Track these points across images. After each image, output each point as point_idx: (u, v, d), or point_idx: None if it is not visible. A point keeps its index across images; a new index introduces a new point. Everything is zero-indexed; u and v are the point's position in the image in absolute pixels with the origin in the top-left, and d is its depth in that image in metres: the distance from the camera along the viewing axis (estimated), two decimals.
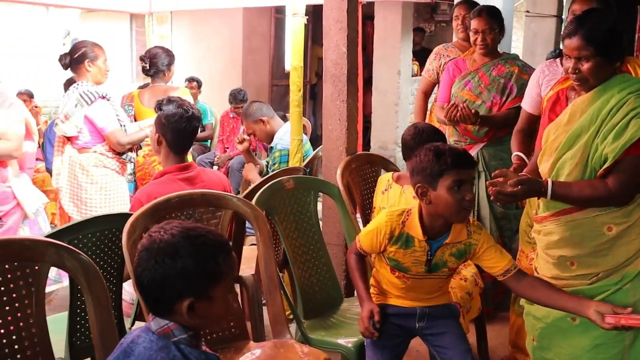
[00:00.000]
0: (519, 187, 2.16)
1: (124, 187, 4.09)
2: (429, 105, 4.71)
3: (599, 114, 2.19)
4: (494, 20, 3.65)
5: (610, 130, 2.14)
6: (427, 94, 4.61)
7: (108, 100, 3.93)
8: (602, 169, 2.17)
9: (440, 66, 4.39)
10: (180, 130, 2.83)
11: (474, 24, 3.67)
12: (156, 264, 1.48)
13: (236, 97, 7.08)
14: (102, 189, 3.93)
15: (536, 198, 2.40)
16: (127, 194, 4.12)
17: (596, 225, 2.22)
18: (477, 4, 4.29)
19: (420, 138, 2.84)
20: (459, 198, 2.17)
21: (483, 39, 3.65)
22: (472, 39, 3.78)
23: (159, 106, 2.87)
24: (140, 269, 1.50)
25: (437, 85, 4.45)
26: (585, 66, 2.21)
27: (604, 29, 2.21)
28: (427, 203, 2.22)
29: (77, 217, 3.83)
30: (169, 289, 1.49)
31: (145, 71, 4.56)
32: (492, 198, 2.23)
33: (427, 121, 4.52)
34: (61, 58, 4.04)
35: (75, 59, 3.98)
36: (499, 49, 3.78)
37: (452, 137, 3.74)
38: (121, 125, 3.94)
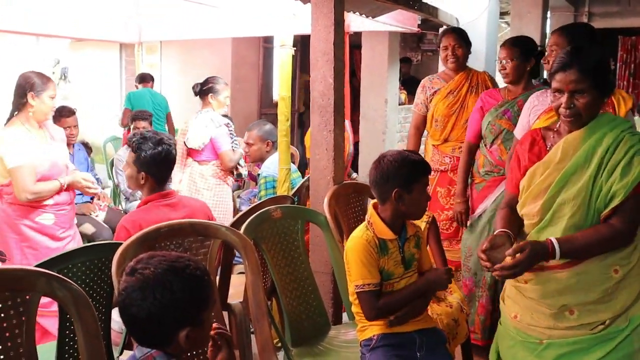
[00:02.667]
0: (522, 254, 2.08)
1: (229, 195, 4.95)
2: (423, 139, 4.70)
3: (594, 152, 2.15)
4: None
5: (614, 168, 2.12)
6: (419, 129, 4.56)
7: (227, 127, 4.81)
8: (609, 209, 2.12)
9: (427, 98, 4.40)
10: (165, 166, 2.93)
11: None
12: (155, 300, 1.52)
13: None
14: (215, 195, 4.76)
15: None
16: (230, 200, 5.00)
17: (605, 269, 2.16)
18: (463, 32, 4.39)
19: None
20: (425, 198, 2.47)
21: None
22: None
23: (137, 145, 2.90)
24: (136, 308, 1.53)
25: (426, 119, 4.44)
26: (581, 101, 2.17)
27: (598, 62, 2.20)
28: (401, 206, 2.42)
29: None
30: (170, 322, 1.53)
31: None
32: (498, 278, 2.23)
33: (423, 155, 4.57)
34: (194, 86, 5.05)
35: (203, 90, 4.96)
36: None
37: (482, 167, 3.76)
38: (232, 149, 4.79)
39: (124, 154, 5.26)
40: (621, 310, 2.13)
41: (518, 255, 2.08)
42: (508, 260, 2.09)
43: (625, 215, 2.12)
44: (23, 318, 1.75)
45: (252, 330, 2.79)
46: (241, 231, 2.71)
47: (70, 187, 3.64)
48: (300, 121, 10.39)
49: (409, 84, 10.46)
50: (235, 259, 3.21)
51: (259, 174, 4.64)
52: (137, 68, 8.04)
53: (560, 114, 2.23)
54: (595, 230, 2.14)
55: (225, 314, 3.00)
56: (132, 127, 6.18)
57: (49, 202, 3.54)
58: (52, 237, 3.57)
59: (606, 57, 2.29)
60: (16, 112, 3.54)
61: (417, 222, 2.62)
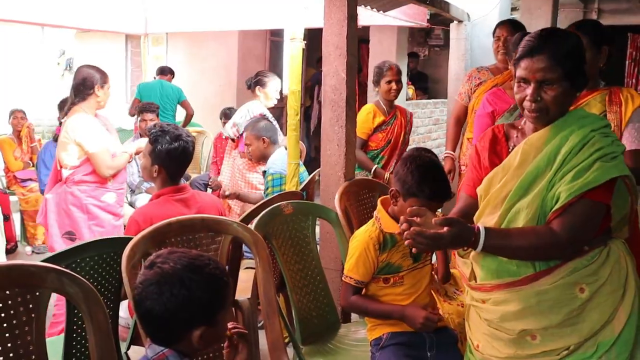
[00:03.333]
0: (447, 228, 1.78)
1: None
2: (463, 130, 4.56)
3: (556, 153, 1.87)
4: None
5: (570, 170, 1.83)
6: (459, 120, 4.46)
7: (265, 118, 4.78)
8: (552, 211, 1.85)
9: (471, 89, 4.31)
10: (181, 161, 2.90)
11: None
12: (172, 296, 1.49)
13: (227, 115, 7.06)
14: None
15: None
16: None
17: (568, 288, 1.86)
18: (520, 25, 4.25)
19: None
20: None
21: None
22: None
23: (154, 138, 2.87)
24: (151, 302, 1.50)
25: (468, 110, 4.34)
26: (550, 93, 1.87)
27: (573, 48, 1.90)
28: (394, 204, 2.46)
29: (235, 208, 4.82)
30: (183, 319, 1.50)
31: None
32: (406, 243, 1.80)
33: (458, 150, 4.49)
34: (248, 79, 5.19)
35: (254, 82, 5.08)
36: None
37: None
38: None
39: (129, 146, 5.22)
40: (589, 335, 1.85)
41: (445, 228, 1.78)
42: (428, 228, 1.79)
43: (567, 220, 1.82)
44: (33, 315, 1.71)
45: (260, 325, 2.76)
46: (252, 227, 2.67)
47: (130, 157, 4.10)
48: (306, 115, 10.34)
49: (416, 79, 10.42)
50: (244, 253, 3.17)
51: (264, 171, 4.57)
52: (142, 59, 8.00)
53: (525, 108, 1.92)
54: (533, 231, 1.85)
55: (233, 310, 2.96)
56: (139, 119, 6.14)
57: (110, 182, 3.94)
58: (115, 214, 3.96)
59: (581, 43, 1.94)
60: (77, 102, 3.87)
61: None
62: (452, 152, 4.46)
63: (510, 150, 2.03)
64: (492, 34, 4.30)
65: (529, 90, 1.88)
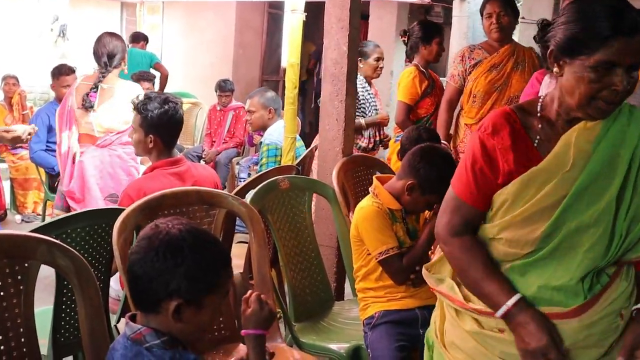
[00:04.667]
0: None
1: None
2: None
3: (618, 156, 1.57)
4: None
5: None
6: (452, 104, 4.11)
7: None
8: None
9: (465, 70, 3.98)
10: (174, 125, 2.81)
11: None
12: (156, 256, 1.42)
13: (222, 87, 6.99)
14: None
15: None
16: None
17: (613, 316, 1.63)
18: None
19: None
20: (430, 206, 2.51)
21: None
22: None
23: (142, 107, 2.78)
24: (136, 257, 1.45)
25: (462, 93, 4.05)
26: (631, 80, 1.53)
27: None
28: (407, 195, 2.46)
29: None
30: (161, 284, 1.42)
31: None
32: None
33: (452, 136, 4.22)
34: None
35: None
36: None
37: None
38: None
39: None
40: None
41: None
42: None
43: None
44: (21, 287, 1.65)
45: None
46: (247, 201, 2.61)
47: None
48: (302, 89, 10.24)
49: None
50: (236, 227, 3.11)
51: (261, 142, 4.53)
52: (138, 28, 7.91)
53: (602, 99, 1.52)
54: None
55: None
56: None
57: None
58: None
59: None
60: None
61: None
62: (445, 142, 4.03)
63: (536, 145, 1.62)
64: (480, 11, 4.02)
65: (617, 78, 1.49)
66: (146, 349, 1.44)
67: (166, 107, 2.74)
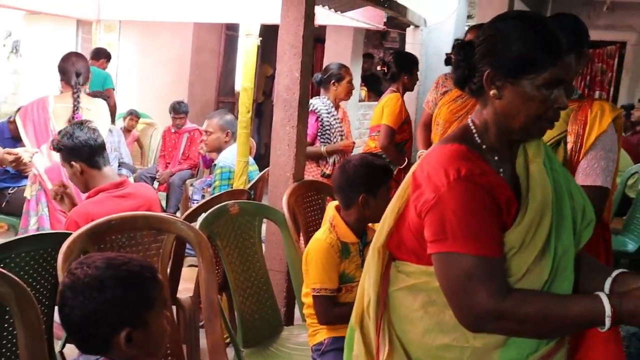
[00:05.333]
0: None
1: None
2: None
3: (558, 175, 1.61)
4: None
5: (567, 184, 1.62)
6: (426, 127, 4.23)
7: (315, 114, 4.44)
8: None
9: (437, 97, 4.09)
10: (85, 141, 2.78)
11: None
12: (85, 300, 1.42)
13: (176, 109, 6.96)
14: None
15: None
16: None
17: None
18: None
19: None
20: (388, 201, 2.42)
21: None
22: None
23: (56, 147, 2.82)
24: (68, 309, 1.44)
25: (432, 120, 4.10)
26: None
27: None
28: (366, 210, 2.42)
29: None
30: (103, 323, 1.43)
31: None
32: None
33: None
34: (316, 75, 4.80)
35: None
36: None
37: None
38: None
39: None
40: None
41: None
42: None
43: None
44: None
45: (201, 324, 2.70)
46: (196, 226, 2.61)
47: None
48: (259, 111, 10.27)
49: (370, 80, 10.45)
50: (186, 251, 3.10)
51: (214, 164, 4.53)
52: (94, 46, 7.78)
53: (548, 120, 1.52)
54: None
55: (174, 308, 2.90)
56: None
57: None
58: None
59: None
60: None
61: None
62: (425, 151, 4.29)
63: (502, 177, 1.55)
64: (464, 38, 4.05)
65: (560, 96, 1.50)
66: None
67: (67, 129, 2.76)
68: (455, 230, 1.43)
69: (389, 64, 4.67)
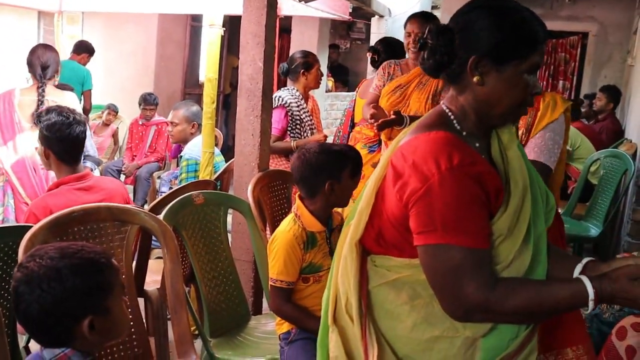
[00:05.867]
0: None
1: None
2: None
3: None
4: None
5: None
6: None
7: (284, 108, 4.37)
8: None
9: (384, 84, 3.89)
10: (63, 138, 2.71)
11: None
12: (43, 293, 1.40)
13: (147, 100, 6.89)
14: None
15: None
16: None
17: None
18: (433, 16, 3.94)
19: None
20: (354, 183, 2.48)
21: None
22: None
23: (38, 119, 2.76)
24: (24, 305, 1.42)
25: None
26: None
27: None
28: (332, 197, 2.42)
29: None
30: (65, 314, 1.42)
31: None
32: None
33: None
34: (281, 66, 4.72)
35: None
36: None
37: None
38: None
39: None
40: None
41: None
42: None
43: None
44: None
45: (169, 317, 2.70)
46: (161, 217, 2.60)
47: None
48: (226, 102, 10.22)
49: (336, 71, 10.47)
50: (153, 243, 3.09)
51: (180, 156, 4.51)
52: (56, 38, 7.65)
53: (526, 104, 1.56)
54: None
55: (141, 300, 2.88)
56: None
57: None
58: None
59: None
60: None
61: (343, 209, 2.62)
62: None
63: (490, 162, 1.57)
64: (404, 25, 3.91)
65: (535, 79, 1.54)
66: None
67: (58, 118, 2.70)
68: (445, 222, 1.41)
69: (378, 50, 4.61)
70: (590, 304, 1.39)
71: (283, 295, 2.43)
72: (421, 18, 3.74)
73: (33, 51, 3.98)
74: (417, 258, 1.49)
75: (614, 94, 6.93)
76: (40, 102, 3.80)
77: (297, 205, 2.49)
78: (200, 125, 4.37)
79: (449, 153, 1.42)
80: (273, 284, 2.43)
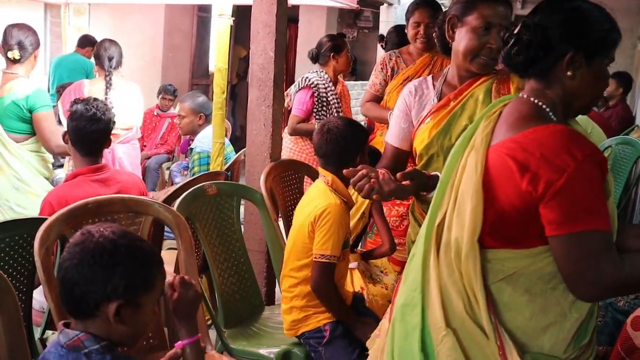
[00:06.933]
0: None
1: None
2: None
3: None
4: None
5: None
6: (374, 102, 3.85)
7: (310, 88, 4.48)
8: None
9: (386, 79, 3.78)
10: (80, 129, 2.73)
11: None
12: (92, 259, 1.42)
13: (168, 90, 6.96)
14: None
15: None
16: None
17: None
18: (439, 6, 3.77)
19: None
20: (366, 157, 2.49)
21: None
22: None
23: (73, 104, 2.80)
24: (70, 263, 1.43)
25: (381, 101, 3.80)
26: None
27: None
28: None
29: None
30: (100, 287, 1.42)
31: None
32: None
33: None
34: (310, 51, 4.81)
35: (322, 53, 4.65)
36: None
37: None
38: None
39: None
40: None
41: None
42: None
43: None
44: None
45: None
46: (174, 208, 2.59)
47: None
48: (233, 93, 10.21)
49: None
50: (165, 234, 3.09)
51: (191, 148, 4.50)
52: (63, 30, 7.65)
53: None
54: None
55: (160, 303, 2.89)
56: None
57: None
58: None
59: None
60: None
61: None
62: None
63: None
64: (406, 16, 3.70)
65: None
66: (85, 354, 1.43)
67: (79, 109, 2.72)
68: (589, 209, 1.46)
69: (388, 38, 4.60)
70: None
71: (331, 272, 2.35)
72: (430, 7, 3.61)
73: (100, 45, 4.47)
74: (533, 248, 1.54)
75: (624, 80, 6.87)
76: (107, 89, 4.20)
77: (332, 179, 2.43)
78: (207, 116, 4.36)
79: (579, 144, 1.48)
80: (327, 260, 2.32)
